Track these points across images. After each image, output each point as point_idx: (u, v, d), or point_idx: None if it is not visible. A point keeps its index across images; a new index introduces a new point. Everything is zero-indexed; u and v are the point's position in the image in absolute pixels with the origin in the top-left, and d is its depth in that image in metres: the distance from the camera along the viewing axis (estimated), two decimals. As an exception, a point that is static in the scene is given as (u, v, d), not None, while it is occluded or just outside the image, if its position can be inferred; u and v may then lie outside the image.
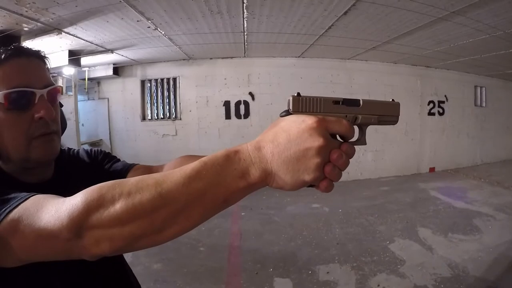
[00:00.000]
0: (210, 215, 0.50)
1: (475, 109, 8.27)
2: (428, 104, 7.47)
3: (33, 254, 0.53)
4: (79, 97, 6.34)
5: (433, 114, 7.54)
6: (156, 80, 6.83)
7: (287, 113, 0.54)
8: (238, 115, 6.65)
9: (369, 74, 6.90)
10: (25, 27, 3.66)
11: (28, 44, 4.06)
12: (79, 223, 0.46)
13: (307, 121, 0.49)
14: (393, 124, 0.62)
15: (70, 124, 5.56)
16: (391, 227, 4.20)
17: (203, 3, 3.37)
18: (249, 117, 6.62)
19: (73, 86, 5.65)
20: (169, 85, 6.81)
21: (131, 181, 0.49)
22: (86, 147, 6.33)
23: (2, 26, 3.55)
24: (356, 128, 0.58)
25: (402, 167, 7.22)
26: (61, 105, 0.92)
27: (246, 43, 5.28)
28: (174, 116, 6.80)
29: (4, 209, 0.53)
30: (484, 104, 8.41)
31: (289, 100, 0.54)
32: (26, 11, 3.21)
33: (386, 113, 0.60)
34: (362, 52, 5.92)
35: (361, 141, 0.60)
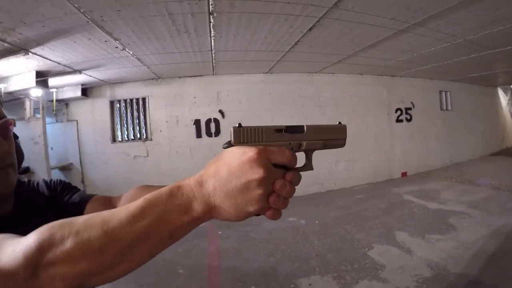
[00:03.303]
0: (159, 250, 0.51)
1: (441, 113, 8.70)
2: (396, 112, 7.78)
3: None
4: (48, 119, 6.12)
5: (401, 121, 7.86)
6: (125, 100, 6.71)
7: (229, 144, 0.54)
8: (209, 134, 6.60)
9: (336, 86, 7.11)
10: (-9, 48, 3.55)
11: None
12: (34, 263, 0.46)
13: (247, 152, 0.50)
14: (341, 147, 0.62)
15: (39, 148, 5.37)
16: (369, 234, 4.27)
17: (171, 23, 3.38)
18: (219, 134, 6.57)
19: (40, 108, 5.44)
20: (138, 105, 6.71)
21: (80, 220, 0.49)
22: (56, 171, 6.17)
23: (-34, 48, 3.43)
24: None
25: (374, 174, 7.41)
26: (16, 137, 0.91)
27: (214, 61, 5.32)
28: (144, 137, 6.68)
29: None
30: (449, 108, 8.87)
31: (230, 131, 0.54)
32: (-8, 32, 3.12)
33: (332, 137, 0.61)
34: (329, 65, 6.10)
35: (307, 166, 0.60)
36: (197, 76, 6.52)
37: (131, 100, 6.71)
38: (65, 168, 6.46)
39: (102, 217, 0.49)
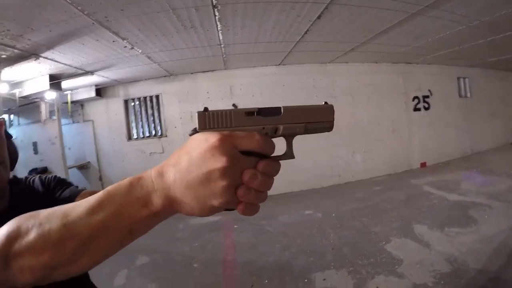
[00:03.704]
0: (120, 245, 0.48)
1: (460, 100, 8.37)
2: (413, 100, 7.53)
3: None
4: (64, 121, 6.29)
5: (419, 109, 7.60)
6: (139, 98, 6.80)
7: (195, 131, 0.48)
8: (223, 128, 6.59)
9: (350, 75, 6.93)
10: (2, 55, 3.65)
11: (7, 71, 4.05)
12: (4, 253, 0.47)
13: (210, 139, 0.45)
14: (328, 131, 0.55)
15: (56, 148, 5.51)
16: (386, 227, 4.15)
17: (175, 19, 3.35)
18: (234, 129, 6.56)
19: (56, 110, 5.60)
20: (152, 103, 6.79)
21: (45, 212, 0.49)
22: (74, 170, 6.32)
23: (-21, 55, 3.53)
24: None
25: (393, 165, 7.20)
26: (10, 136, 0.93)
27: (224, 55, 5.27)
28: (159, 134, 6.76)
29: None
30: (468, 95, 8.51)
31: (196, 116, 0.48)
32: (2, 39, 3.20)
33: (315, 120, 0.53)
34: (342, 54, 5.95)
35: (288, 155, 0.54)
36: (209, 71, 6.51)
37: (145, 98, 6.80)
38: (83, 167, 6.62)
39: (65, 209, 0.48)
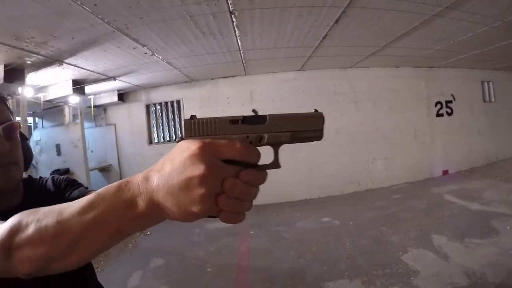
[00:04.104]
0: (108, 244, 0.51)
1: (484, 105, 8.02)
2: (436, 105, 7.29)
3: None
4: (87, 124, 6.50)
5: (442, 115, 7.35)
6: (160, 103, 6.96)
7: (181, 138, 0.49)
8: (242, 133, 6.62)
9: (372, 80, 6.81)
10: (28, 61, 3.81)
11: (33, 76, 4.23)
12: (7, 245, 0.52)
13: (191, 147, 0.46)
14: (317, 140, 0.53)
15: (78, 151, 5.69)
16: (404, 237, 4.04)
17: (194, 26, 3.41)
18: (254, 134, 6.58)
19: (79, 114, 5.79)
20: (173, 108, 6.92)
21: (45, 209, 0.54)
22: (96, 172, 6.51)
23: (6, 60, 3.71)
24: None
25: (414, 172, 6.99)
26: (26, 138, 0.99)
27: (244, 61, 5.31)
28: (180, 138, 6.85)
29: None
30: (493, 99, 8.15)
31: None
32: (26, 46, 3.34)
33: (303, 128, 0.52)
34: (362, 59, 5.87)
35: (274, 164, 0.53)
36: (230, 77, 6.57)
37: (166, 103, 6.95)
38: (104, 169, 6.81)
39: (60, 208, 0.52)
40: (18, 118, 4.38)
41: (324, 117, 0.52)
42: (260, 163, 0.49)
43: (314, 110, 0.53)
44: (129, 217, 0.48)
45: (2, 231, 0.53)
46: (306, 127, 0.52)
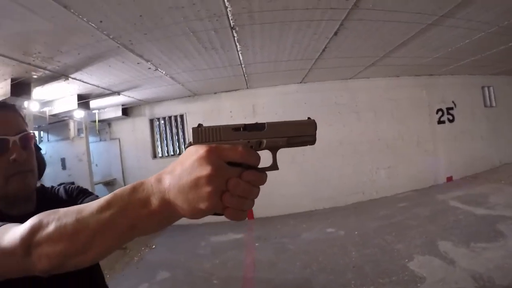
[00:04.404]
0: (123, 241, 0.57)
1: (486, 110, 8.06)
2: (437, 113, 7.33)
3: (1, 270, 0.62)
4: (92, 138, 6.57)
5: (443, 122, 7.38)
6: (164, 118, 7.04)
7: (189, 144, 0.55)
8: (246, 146, 6.67)
9: (372, 90, 6.88)
10: (34, 75, 3.87)
11: (39, 90, 4.31)
12: (27, 243, 0.56)
13: (199, 151, 0.52)
14: (311, 144, 0.60)
15: (83, 165, 5.74)
16: (410, 244, 4.03)
17: (196, 41, 3.49)
18: (257, 146, 6.62)
19: (84, 128, 5.86)
20: (177, 122, 7.00)
21: (64, 209, 0.59)
22: (100, 186, 6.54)
23: (13, 74, 3.77)
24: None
25: (418, 180, 6.98)
26: (39, 149, 1.07)
27: (246, 75, 5.38)
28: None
29: None
30: (494, 104, 8.19)
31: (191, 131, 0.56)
32: (33, 60, 3.41)
33: (297, 134, 0.58)
34: (362, 69, 5.94)
35: (272, 166, 0.59)
36: (232, 90, 6.65)
37: (170, 117, 7.03)
38: (109, 183, 6.85)
39: (79, 208, 0.57)
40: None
41: (316, 124, 0.59)
42: (260, 165, 0.55)
43: (307, 118, 0.59)
44: (144, 214, 0.53)
45: (23, 229, 0.58)
46: (300, 133, 0.58)
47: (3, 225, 0.68)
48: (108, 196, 0.56)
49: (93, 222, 0.54)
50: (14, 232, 0.60)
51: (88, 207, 0.56)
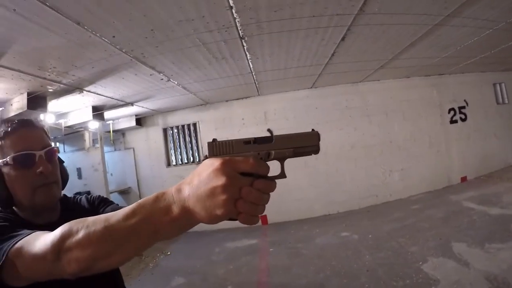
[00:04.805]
0: (147, 243, 0.63)
1: (498, 108, 7.88)
2: (449, 112, 7.24)
3: (31, 273, 0.70)
4: (106, 148, 6.73)
5: (456, 121, 7.28)
6: (177, 127, 7.18)
7: (205, 157, 0.62)
8: (259, 152, 6.72)
9: (383, 93, 6.87)
10: (50, 89, 4.00)
11: (54, 103, 4.45)
12: (58, 248, 0.63)
13: (214, 163, 0.58)
14: (315, 154, 0.65)
15: (98, 174, 5.88)
16: (424, 247, 4.01)
17: (207, 52, 3.58)
18: (270, 153, 6.67)
19: (99, 139, 6.01)
20: (190, 131, 7.13)
21: (92, 218, 0.65)
22: (116, 195, 6.68)
23: (29, 89, 3.91)
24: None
25: (431, 181, 6.90)
26: (62, 161, 1.15)
27: (256, 82, 5.46)
28: (198, 160, 7.03)
29: (14, 240, 0.73)
30: (506, 101, 7.99)
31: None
32: (49, 75, 3.53)
33: (302, 144, 0.64)
34: (372, 72, 5.95)
35: (281, 175, 0.65)
36: (243, 98, 6.75)
37: (183, 126, 7.17)
38: (124, 192, 6.99)
39: (107, 216, 0.64)
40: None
41: (319, 135, 0.65)
42: (270, 174, 0.62)
43: (311, 130, 0.65)
44: (166, 221, 0.59)
45: (53, 236, 0.65)
46: (305, 144, 0.64)
47: (33, 233, 0.75)
48: (133, 205, 0.62)
49: (120, 228, 0.60)
50: (44, 239, 0.67)
51: (115, 216, 0.62)
